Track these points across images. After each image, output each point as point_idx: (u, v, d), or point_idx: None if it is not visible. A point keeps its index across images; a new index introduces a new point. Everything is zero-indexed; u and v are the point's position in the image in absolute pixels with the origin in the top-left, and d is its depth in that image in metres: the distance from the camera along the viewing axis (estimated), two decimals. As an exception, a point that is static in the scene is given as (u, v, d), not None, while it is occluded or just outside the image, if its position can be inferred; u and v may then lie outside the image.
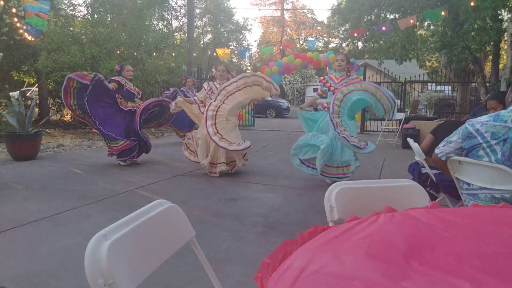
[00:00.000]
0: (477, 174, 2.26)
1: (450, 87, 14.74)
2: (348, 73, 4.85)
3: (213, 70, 5.70)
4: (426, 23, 12.55)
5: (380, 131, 9.92)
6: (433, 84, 13.75)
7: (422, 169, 3.26)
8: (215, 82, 5.51)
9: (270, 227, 3.25)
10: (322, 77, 5.02)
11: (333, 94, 4.67)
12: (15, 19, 8.62)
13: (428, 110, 11.15)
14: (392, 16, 12.12)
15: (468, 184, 2.34)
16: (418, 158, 3.15)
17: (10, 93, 7.19)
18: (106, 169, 5.65)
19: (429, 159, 2.92)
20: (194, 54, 16.25)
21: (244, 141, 5.07)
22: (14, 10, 8.42)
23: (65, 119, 12.44)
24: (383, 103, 4.47)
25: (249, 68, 35.91)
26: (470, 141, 2.21)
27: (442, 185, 2.97)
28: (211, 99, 5.20)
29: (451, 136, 2.38)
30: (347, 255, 0.83)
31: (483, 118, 2.23)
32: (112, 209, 3.71)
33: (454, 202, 2.99)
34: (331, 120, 4.44)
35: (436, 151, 2.45)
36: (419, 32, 13.11)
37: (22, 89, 9.92)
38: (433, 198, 3.14)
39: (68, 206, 3.75)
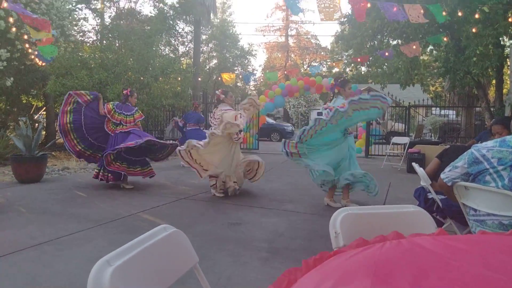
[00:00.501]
0: (484, 200, 2.24)
1: (454, 111, 14.78)
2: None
3: (218, 92, 5.67)
4: (429, 48, 12.71)
5: (385, 155, 9.89)
6: (437, 108, 13.78)
7: (428, 194, 3.22)
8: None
9: (274, 253, 3.20)
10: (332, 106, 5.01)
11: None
12: (27, 45, 8.86)
13: (432, 135, 11.14)
14: (395, 42, 12.31)
15: (475, 210, 2.30)
16: (423, 183, 3.13)
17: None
18: (110, 192, 5.65)
19: (435, 184, 2.90)
20: (200, 79, 16.51)
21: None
22: (25, 37, 8.66)
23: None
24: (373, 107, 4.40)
25: (254, 92, 36.32)
26: (477, 166, 2.20)
27: (448, 210, 2.93)
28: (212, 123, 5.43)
29: (456, 161, 2.37)
30: (353, 283, 0.81)
31: (489, 143, 2.23)
32: (115, 233, 3.68)
33: (462, 228, 2.94)
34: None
35: (442, 176, 2.43)
36: (422, 57, 13.27)
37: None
38: (439, 224, 3.09)
39: (71, 229, 3.73)
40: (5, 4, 5.57)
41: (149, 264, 1.08)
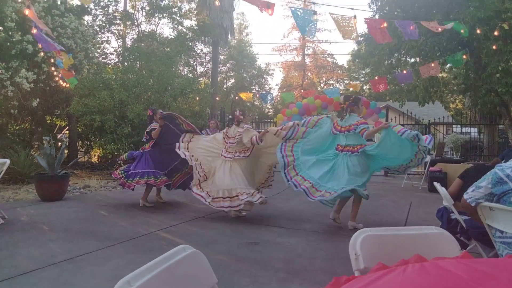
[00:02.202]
0: (510, 221, 2.16)
1: (476, 129, 14.44)
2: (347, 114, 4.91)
3: (237, 113, 5.72)
4: (448, 66, 12.58)
5: (405, 174, 9.70)
6: (459, 126, 13.50)
7: (451, 214, 3.14)
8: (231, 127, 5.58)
9: (292, 274, 3.15)
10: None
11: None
12: (52, 68, 9.23)
13: (454, 153, 10.89)
14: (412, 60, 12.24)
15: (501, 232, 2.22)
16: (446, 204, 3.05)
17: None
18: (129, 210, 5.71)
19: (458, 205, 2.82)
20: (218, 98, 16.71)
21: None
22: (52, 60, 9.04)
23: (92, 160, 12.82)
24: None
25: (271, 110, 36.51)
26: (501, 186, 2.14)
27: (473, 232, 2.84)
28: (226, 142, 5.42)
29: (480, 181, 2.31)
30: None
31: (513, 162, 2.16)
32: (134, 252, 3.70)
33: (487, 250, 2.84)
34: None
35: (465, 196, 2.36)
36: (440, 74, 13.12)
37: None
38: (464, 245, 2.99)
39: (91, 247, 3.77)
40: (34, 31, 5.86)
41: (169, 284, 1.08)
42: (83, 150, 13.05)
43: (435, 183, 3.42)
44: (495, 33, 7.80)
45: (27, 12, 6.12)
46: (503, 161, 4.01)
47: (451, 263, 0.98)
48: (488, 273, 0.90)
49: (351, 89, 31.59)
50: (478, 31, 7.84)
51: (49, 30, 6.38)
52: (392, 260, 1.24)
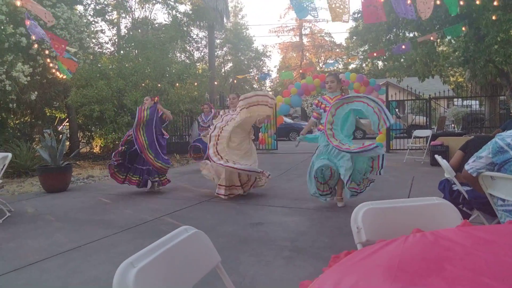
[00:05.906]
0: (511, 189, 2.16)
1: (477, 101, 14.35)
2: (342, 93, 4.74)
3: (228, 99, 5.90)
4: (447, 38, 12.40)
5: (406, 149, 9.71)
6: (460, 99, 13.43)
7: (453, 186, 3.15)
8: (229, 110, 5.68)
9: (297, 251, 3.19)
10: (316, 100, 5.01)
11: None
12: (48, 60, 9.15)
13: (455, 126, 10.85)
14: (411, 35, 12.06)
15: (503, 200, 2.23)
16: (448, 175, 3.05)
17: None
18: (133, 198, 5.76)
19: (460, 176, 2.83)
20: (216, 83, 16.64)
21: (251, 164, 5.16)
22: (47, 52, 8.95)
23: (94, 150, 12.86)
24: (379, 117, 4.22)
25: (270, 92, 36.28)
26: (502, 155, 2.13)
27: (475, 202, 2.85)
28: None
29: (480, 151, 2.31)
30: (375, 277, 0.81)
31: (513, 131, 2.16)
32: (140, 237, 3.75)
33: (490, 219, 2.86)
34: (328, 138, 4.42)
35: (466, 167, 2.37)
36: (440, 48, 12.95)
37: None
38: (466, 216, 3.01)
39: (97, 235, 3.82)
40: (28, 23, 5.77)
41: (172, 265, 1.09)
42: (85, 141, 13.07)
43: (436, 156, 3.42)
44: (495, 3, 7.65)
45: (18, 3, 6.02)
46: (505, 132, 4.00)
47: (452, 232, 0.99)
48: (489, 239, 0.91)
49: (351, 65, 31.28)
50: (477, 2, 7.68)
51: (48, 12, 6.15)
52: (395, 231, 1.25)
